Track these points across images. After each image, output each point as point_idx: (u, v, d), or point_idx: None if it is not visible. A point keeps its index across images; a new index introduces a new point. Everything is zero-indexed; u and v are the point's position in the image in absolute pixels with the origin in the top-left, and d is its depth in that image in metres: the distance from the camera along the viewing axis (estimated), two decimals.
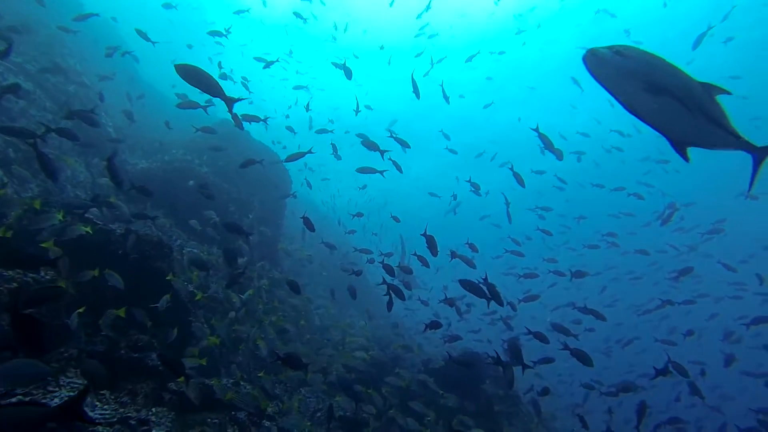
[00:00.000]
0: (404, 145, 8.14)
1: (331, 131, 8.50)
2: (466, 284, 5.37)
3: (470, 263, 7.88)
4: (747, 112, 23.90)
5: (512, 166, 8.43)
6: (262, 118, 7.09)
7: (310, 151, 7.28)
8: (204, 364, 5.47)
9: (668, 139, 2.61)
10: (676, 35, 23.02)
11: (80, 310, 4.75)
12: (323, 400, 6.75)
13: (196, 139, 9.90)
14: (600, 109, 25.88)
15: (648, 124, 2.56)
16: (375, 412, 6.18)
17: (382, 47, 17.34)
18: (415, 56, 20.70)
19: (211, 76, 3.78)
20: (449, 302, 8.18)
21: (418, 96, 8.55)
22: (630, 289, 23.93)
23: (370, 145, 7.41)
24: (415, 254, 7.69)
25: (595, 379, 13.89)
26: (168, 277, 6.11)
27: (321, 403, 6.64)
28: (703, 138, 2.57)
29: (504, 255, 12.78)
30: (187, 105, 7.16)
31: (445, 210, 20.41)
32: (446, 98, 11.37)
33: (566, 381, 17.88)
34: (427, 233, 6.57)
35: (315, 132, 8.93)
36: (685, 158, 2.68)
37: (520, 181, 8.13)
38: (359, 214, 11.30)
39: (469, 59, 19.36)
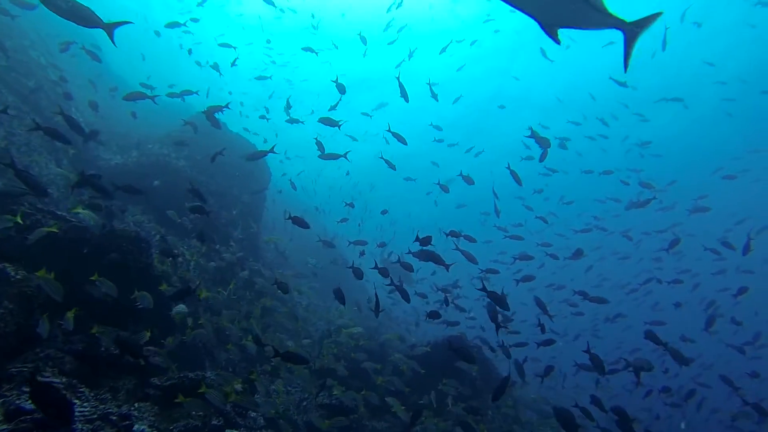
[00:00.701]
0: (401, 141, 8.08)
1: (302, 122, 8.44)
2: (421, 255, 5.51)
3: (472, 259, 7.88)
4: (720, 93, 24.40)
5: (509, 164, 8.43)
6: (224, 105, 7.07)
7: (272, 150, 7.28)
8: (162, 352, 5.41)
9: (538, 21, 2.52)
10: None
11: (44, 316, 4.62)
12: (308, 390, 6.76)
13: (171, 134, 9.69)
14: (585, 102, 26.15)
15: (516, 8, 2.46)
16: (359, 397, 6.21)
17: (363, 39, 17.09)
18: (388, 44, 20.60)
19: (85, 7, 3.48)
20: (445, 298, 8.17)
21: (406, 99, 8.37)
22: (615, 268, 24.40)
23: (328, 122, 7.41)
24: (409, 252, 7.58)
25: (582, 360, 14.19)
26: (162, 287, 6.03)
27: (306, 393, 6.65)
28: (575, 17, 2.47)
29: (494, 240, 12.85)
30: (134, 96, 7.04)
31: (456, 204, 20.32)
32: (434, 96, 11.20)
33: (559, 361, 18.24)
34: (420, 237, 6.50)
35: (285, 121, 8.84)
36: (557, 41, 2.60)
37: (517, 179, 8.19)
38: (350, 204, 11.30)
39: (443, 50, 19.33)
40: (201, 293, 6.95)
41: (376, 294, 6.18)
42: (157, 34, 9.87)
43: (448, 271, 5.85)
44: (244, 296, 8.25)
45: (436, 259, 5.39)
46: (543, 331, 7.64)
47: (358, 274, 6.77)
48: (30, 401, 4.35)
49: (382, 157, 8.91)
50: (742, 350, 10.84)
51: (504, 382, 4.98)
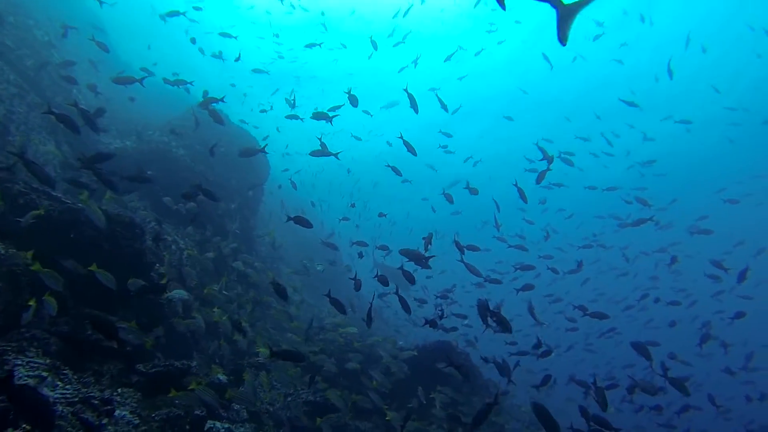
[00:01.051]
0: (412, 151, 8.00)
1: (302, 119, 8.37)
2: (405, 252, 5.55)
3: (476, 272, 7.87)
4: (727, 118, 24.52)
5: (516, 182, 8.43)
6: (219, 98, 7.16)
7: (263, 150, 7.33)
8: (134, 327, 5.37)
9: None
10: (655, 42, 23.52)
11: (32, 302, 4.61)
12: (294, 386, 6.73)
13: (172, 122, 9.67)
14: (590, 119, 26.30)
15: None
16: (345, 395, 6.18)
17: (374, 44, 17.13)
18: (393, 46, 20.81)
19: None
20: (441, 311, 8.17)
21: (416, 111, 8.22)
22: (611, 283, 24.39)
23: (319, 116, 7.42)
24: (411, 260, 7.54)
25: (572, 373, 14.22)
26: (164, 281, 5.99)
27: (291, 388, 6.62)
28: None
29: (492, 249, 12.87)
30: (124, 80, 7.04)
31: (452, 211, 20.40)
32: (444, 107, 11.06)
33: (550, 371, 18.18)
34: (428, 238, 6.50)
35: (285, 117, 8.79)
36: (502, 6, 2.67)
37: (523, 197, 8.23)
38: (352, 205, 11.33)
39: (448, 58, 19.40)
40: (207, 290, 6.99)
41: (370, 305, 6.08)
42: (163, 19, 9.84)
43: (427, 267, 5.88)
44: (235, 287, 8.22)
45: (419, 257, 5.42)
46: (539, 346, 7.67)
47: (358, 285, 6.62)
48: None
49: (388, 165, 8.87)
50: (730, 371, 10.84)
51: (486, 410, 4.69)
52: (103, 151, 7.12)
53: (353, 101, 7.80)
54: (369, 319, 5.87)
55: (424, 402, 6.97)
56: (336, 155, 7.19)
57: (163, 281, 6.14)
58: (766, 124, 22.52)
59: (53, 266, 5.00)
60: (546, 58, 18.79)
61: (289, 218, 6.34)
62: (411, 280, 6.44)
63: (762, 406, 11.86)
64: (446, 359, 6.38)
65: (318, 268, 11.78)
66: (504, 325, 5.48)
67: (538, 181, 8.30)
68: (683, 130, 24.52)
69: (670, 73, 14.85)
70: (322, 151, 7.26)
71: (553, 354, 8.96)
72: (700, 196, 29.93)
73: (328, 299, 6.13)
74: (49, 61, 8.52)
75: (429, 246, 6.73)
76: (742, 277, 10.30)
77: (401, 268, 6.53)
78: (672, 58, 15.23)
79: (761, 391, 12.30)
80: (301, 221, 6.29)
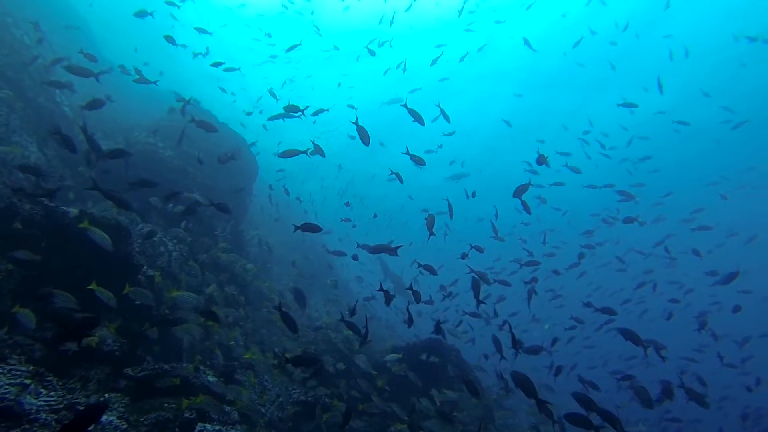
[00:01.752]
0: (419, 162, 7.86)
1: (283, 119, 8.22)
2: (374, 249, 5.55)
3: (486, 279, 7.86)
4: (720, 117, 24.85)
5: (521, 196, 8.41)
6: (187, 99, 7.11)
7: (233, 156, 7.47)
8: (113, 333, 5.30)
9: None
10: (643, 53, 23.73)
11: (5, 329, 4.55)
12: (285, 386, 6.66)
13: (160, 123, 9.55)
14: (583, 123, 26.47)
15: None
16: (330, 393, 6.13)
17: (370, 51, 17.04)
18: (378, 46, 20.79)
19: None
20: (437, 325, 8.22)
21: (421, 123, 8.03)
22: (606, 276, 24.47)
23: (291, 109, 7.32)
24: (420, 266, 7.49)
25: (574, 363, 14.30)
26: (174, 292, 5.91)
27: (282, 389, 6.56)
28: None
29: (488, 247, 13.07)
30: (79, 71, 6.86)
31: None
32: (446, 117, 10.84)
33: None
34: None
35: (267, 119, 8.63)
36: None
37: (527, 209, 8.24)
38: (347, 204, 11.34)
39: (434, 62, 19.35)
40: (213, 290, 6.87)
41: (366, 330, 6.06)
42: (141, 15, 9.58)
43: (397, 254, 5.96)
44: (226, 288, 8.12)
45: (388, 249, 5.42)
46: (541, 348, 7.72)
47: (353, 311, 6.72)
48: None
49: (392, 172, 8.80)
50: (732, 365, 10.93)
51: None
52: (115, 147, 7.01)
53: (363, 137, 7.05)
54: (364, 339, 6.02)
55: (420, 385, 7.01)
56: (306, 152, 7.10)
57: (174, 291, 6.08)
58: (736, 129, 22.81)
59: (5, 257, 4.94)
60: (527, 42, 18.83)
61: (297, 227, 6.13)
62: (418, 298, 6.59)
63: (757, 390, 12.06)
64: (464, 381, 6.43)
65: (329, 282, 12.31)
66: (515, 342, 5.58)
67: (518, 194, 8.08)
68: (672, 130, 24.72)
69: (660, 86, 15.22)
70: (294, 151, 7.16)
71: (556, 345, 9.14)
72: (692, 189, 30.12)
73: (347, 325, 6.17)
74: (29, 61, 8.35)
75: (432, 227, 6.67)
76: (730, 279, 10.36)
77: (410, 287, 6.58)
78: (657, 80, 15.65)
79: (757, 377, 12.51)
80: (309, 228, 6.15)
